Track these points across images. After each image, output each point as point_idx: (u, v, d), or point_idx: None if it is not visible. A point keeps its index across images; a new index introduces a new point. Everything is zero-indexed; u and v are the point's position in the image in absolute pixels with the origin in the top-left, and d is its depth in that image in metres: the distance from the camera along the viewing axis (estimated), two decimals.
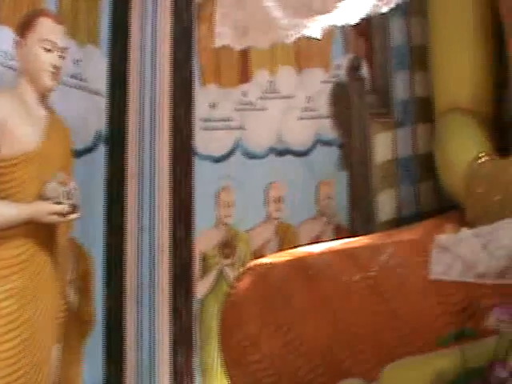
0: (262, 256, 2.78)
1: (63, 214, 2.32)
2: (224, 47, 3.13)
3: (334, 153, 3.10)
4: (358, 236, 2.62)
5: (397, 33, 3.10)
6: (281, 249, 3.00)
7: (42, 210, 2.30)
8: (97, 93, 3.03)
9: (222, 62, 3.26)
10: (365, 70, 3.14)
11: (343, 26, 3.30)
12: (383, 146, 2.99)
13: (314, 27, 2.61)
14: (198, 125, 3.14)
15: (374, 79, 3.11)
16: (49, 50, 2.39)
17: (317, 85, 3.30)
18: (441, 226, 2.46)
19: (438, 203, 2.94)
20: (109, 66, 3.09)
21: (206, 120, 3.17)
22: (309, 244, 2.71)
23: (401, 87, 3.06)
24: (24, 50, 2.40)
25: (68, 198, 2.32)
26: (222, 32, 2.72)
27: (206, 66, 3.24)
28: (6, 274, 2.26)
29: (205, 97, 3.20)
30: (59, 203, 2.31)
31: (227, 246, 3.08)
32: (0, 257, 2.27)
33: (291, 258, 2.42)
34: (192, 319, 2.96)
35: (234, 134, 3.20)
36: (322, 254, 2.39)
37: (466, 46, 2.89)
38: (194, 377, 2.93)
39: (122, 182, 2.97)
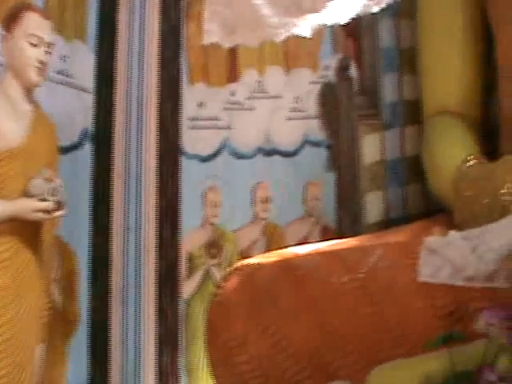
0: (248, 256, 2.77)
1: (48, 212, 2.29)
2: (212, 46, 3.11)
3: (321, 154, 3.09)
4: (345, 237, 2.61)
5: (386, 34, 3.10)
6: (268, 249, 2.99)
7: (27, 207, 2.27)
8: (84, 89, 3.00)
9: (210, 61, 3.24)
10: (353, 71, 3.13)
11: (332, 27, 3.31)
12: (371, 147, 2.98)
13: (304, 26, 2.60)
14: (185, 124, 3.12)
15: (363, 80, 3.10)
16: (35, 45, 2.37)
17: (305, 85, 3.30)
18: (428, 228, 2.45)
19: (425, 206, 2.94)
20: (96, 63, 3.06)
21: (194, 119, 3.15)
22: (296, 245, 2.70)
23: (389, 89, 3.06)
24: (9, 45, 2.37)
25: (53, 195, 2.29)
26: (211, 29, 2.70)
27: (194, 65, 3.22)
28: None
29: (192, 96, 3.18)
30: (44, 200, 2.28)
31: (214, 246, 3.06)
32: None
33: (279, 258, 2.40)
34: (178, 319, 2.94)
35: (222, 133, 3.18)
36: (309, 255, 2.38)
37: (455, 49, 2.89)
38: (180, 377, 2.91)
39: (108, 180, 2.94)
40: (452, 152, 2.68)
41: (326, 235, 3.04)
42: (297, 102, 3.27)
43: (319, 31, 3.23)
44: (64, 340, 2.81)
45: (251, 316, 2.26)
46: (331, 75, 3.18)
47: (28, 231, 2.32)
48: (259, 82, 3.28)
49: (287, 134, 3.24)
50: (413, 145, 3.01)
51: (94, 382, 2.79)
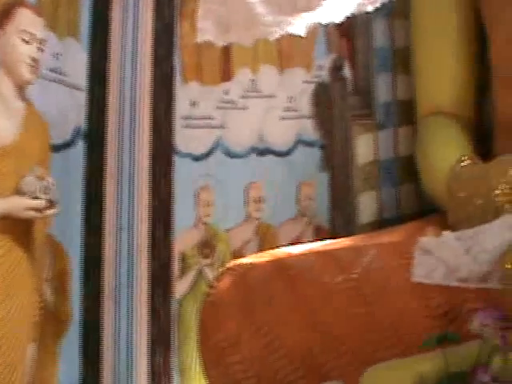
0: (241, 256, 2.76)
1: (40, 210, 2.28)
2: (206, 45, 3.10)
3: (315, 153, 3.09)
4: (338, 237, 2.61)
5: (380, 34, 3.10)
6: (261, 249, 2.98)
7: (19, 204, 2.25)
8: (76, 87, 2.98)
9: (203, 60, 3.23)
10: (347, 71, 3.12)
11: (326, 26, 3.30)
12: (365, 147, 2.98)
13: (299, 25, 2.59)
14: (178, 123, 3.10)
15: (357, 80, 3.09)
16: (27, 42, 2.36)
17: (299, 85, 3.29)
18: (422, 229, 2.45)
19: (418, 206, 2.94)
20: (89, 61, 3.04)
21: (187, 118, 3.14)
22: (289, 245, 2.70)
23: (383, 89, 3.06)
24: (1, 41, 2.36)
25: (45, 193, 2.28)
26: (205, 28, 2.69)
27: (187, 64, 3.21)
28: None
29: (186, 94, 3.17)
30: (36, 198, 2.27)
31: (206, 246, 3.05)
32: None
33: (272, 258, 2.39)
34: (170, 319, 2.93)
35: (215, 132, 3.17)
36: (303, 254, 2.37)
37: (449, 49, 2.89)
38: (172, 377, 2.90)
39: (101, 179, 2.92)
40: (446, 152, 2.67)
41: (319, 235, 3.03)
42: (290, 102, 3.26)
43: (313, 31, 3.23)
44: (56, 340, 2.79)
45: (244, 316, 2.25)
46: (325, 75, 3.17)
47: (20, 229, 2.30)
48: (253, 80, 3.27)
49: (281, 134, 3.23)
50: (406, 145, 3.01)
51: (86, 382, 2.77)
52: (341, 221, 2.85)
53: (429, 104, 2.91)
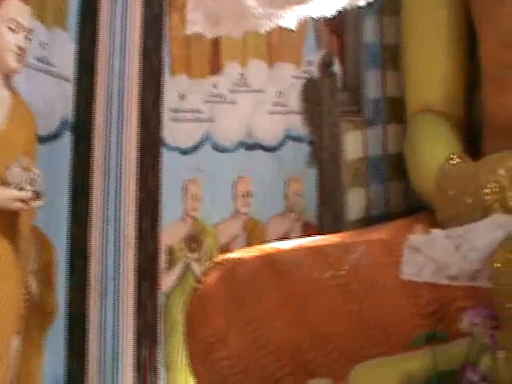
0: (229, 251, 2.74)
1: (26, 201, 2.25)
2: (195, 37, 3.08)
3: (303, 149, 3.08)
4: (327, 234, 2.59)
5: (370, 31, 3.09)
6: (248, 244, 2.97)
7: (4, 195, 2.23)
8: (64, 78, 2.95)
9: (192, 53, 3.21)
10: (337, 67, 3.11)
11: (316, 22, 3.29)
12: (353, 144, 2.97)
13: (289, 18, 2.58)
14: (166, 116, 3.08)
15: (346, 77, 3.08)
16: (14, 31, 2.34)
17: (288, 80, 3.28)
18: (411, 226, 2.44)
19: (407, 204, 2.93)
20: (76, 51, 3.01)
21: (175, 111, 3.11)
22: (277, 240, 2.68)
23: (372, 86, 3.05)
24: None
25: (31, 185, 2.25)
26: (194, 19, 2.67)
27: (176, 56, 3.18)
28: None
29: (174, 87, 3.14)
30: (22, 189, 2.24)
31: (194, 240, 3.03)
32: None
33: (260, 253, 2.38)
34: (157, 312, 2.91)
35: (203, 126, 3.15)
36: (291, 250, 2.36)
37: (439, 47, 2.89)
38: (158, 371, 2.88)
39: (88, 171, 2.89)
40: (435, 150, 2.67)
41: (307, 231, 3.02)
42: (279, 97, 3.25)
43: (303, 26, 3.22)
44: (41, 332, 2.77)
45: (232, 311, 2.23)
46: (314, 71, 3.16)
47: (5, 221, 2.27)
48: (242, 75, 3.25)
49: (269, 129, 3.22)
50: (395, 142, 3.00)
51: (71, 374, 2.75)
52: (329, 217, 2.83)
53: (418, 102, 2.90)
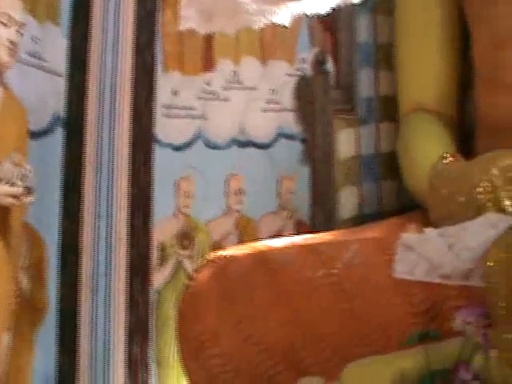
0: (221, 249, 2.73)
1: (17, 197, 2.24)
2: (188, 34, 3.07)
3: (296, 147, 3.07)
4: (319, 232, 2.59)
5: (363, 29, 3.09)
6: (240, 242, 2.96)
7: None
8: (56, 73, 2.93)
9: (185, 49, 3.19)
10: (330, 66, 3.11)
11: (310, 20, 3.29)
12: (346, 142, 2.97)
13: (283, 14, 2.57)
14: (159, 112, 3.06)
15: (339, 75, 3.08)
16: (5, 25, 2.33)
17: (281, 77, 3.27)
18: (404, 225, 2.44)
19: (399, 202, 2.94)
20: (69, 47, 2.99)
21: (168, 107, 3.10)
22: (269, 238, 2.68)
23: (365, 84, 3.05)
24: None
25: (22, 180, 2.24)
26: (188, 15, 2.66)
27: (169, 52, 3.17)
28: None
29: (167, 83, 3.13)
30: (13, 185, 2.23)
31: (186, 237, 3.02)
32: None
33: (253, 251, 2.37)
34: (148, 309, 2.89)
35: (196, 123, 3.14)
36: (284, 248, 2.35)
37: (432, 46, 2.89)
38: (150, 367, 2.87)
39: (80, 167, 2.87)
40: (428, 149, 2.67)
41: (299, 229, 3.01)
42: (272, 94, 3.24)
43: (296, 24, 3.22)
44: (32, 328, 2.75)
45: (224, 309, 2.22)
46: (307, 68, 3.16)
47: None
48: (235, 72, 3.24)
49: (262, 126, 3.21)
50: (388, 141, 3.00)
51: (62, 370, 2.73)
52: (321, 215, 2.83)
53: (411, 101, 2.90)
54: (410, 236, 2.12)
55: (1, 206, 2.24)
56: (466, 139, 2.82)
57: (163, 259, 3.00)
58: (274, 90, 3.24)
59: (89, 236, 2.85)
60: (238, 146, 3.17)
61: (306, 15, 3.14)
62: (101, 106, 2.96)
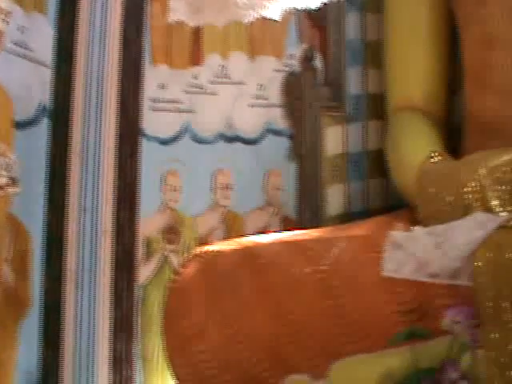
0: (207, 244, 2.71)
1: (1, 187, 2.22)
2: (177, 27, 3.05)
3: (283, 143, 3.06)
4: (306, 229, 2.58)
5: (352, 27, 3.08)
6: (227, 237, 2.94)
7: None
8: (42, 64, 2.90)
9: (173, 43, 3.17)
10: (318, 62, 3.10)
11: (298, 16, 3.27)
12: (333, 139, 2.96)
13: (273, 8, 2.56)
14: (146, 105, 3.04)
15: (327, 72, 3.08)
16: None
17: (269, 73, 3.25)
18: (391, 223, 2.44)
19: (386, 201, 2.93)
20: (55, 37, 2.96)
21: (155, 100, 3.08)
22: (256, 234, 2.66)
23: (354, 82, 3.04)
24: None
25: (7, 171, 2.22)
26: (177, 7, 2.65)
27: (156, 45, 3.14)
28: None
29: (154, 77, 3.10)
30: None
31: (172, 232, 2.99)
32: None
33: (239, 246, 2.35)
34: (133, 304, 2.87)
35: (183, 117, 3.12)
36: (271, 244, 2.34)
37: (421, 46, 2.89)
38: (134, 364, 2.84)
39: (65, 158, 2.85)
40: (416, 147, 2.66)
41: (286, 226, 3.00)
42: (260, 90, 3.22)
43: (285, 19, 3.20)
44: (15, 322, 2.72)
45: (210, 304, 2.21)
46: (296, 65, 3.15)
47: None
48: (222, 66, 3.22)
49: (249, 121, 3.19)
50: (376, 139, 3.00)
51: (45, 365, 2.70)
52: (308, 212, 2.82)
53: (399, 99, 2.90)
54: (398, 234, 2.12)
55: None
56: (454, 139, 2.83)
57: (149, 254, 2.98)
58: (261, 86, 3.23)
59: (74, 229, 2.82)
60: (225, 141, 3.15)
61: (295, 11, 3.13)
62: (87, 97, 2.93)
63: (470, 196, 2.26)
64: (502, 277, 1.88)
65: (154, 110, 3.06)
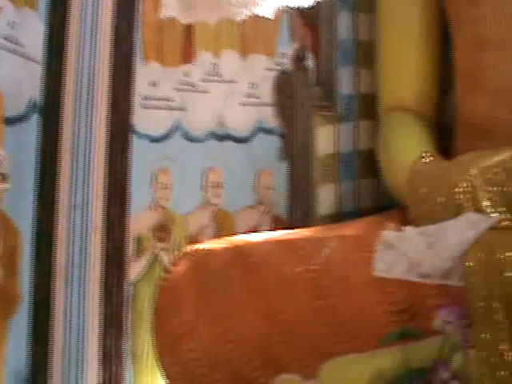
0: (197, 242, 2.69)
1: None
2: (168, 24, 3.04)
3: (275, 142, 3.05)
4: (297, 228, 2.57)
5: (344, 26, 3.08)
6: (217, 236, 2.93)
7: None
8: (33, 59, 2.88)
9: (165, 40, 3.16)
10: (310, 62, 3.10)
11: (290, 15, 3.27)
12: (325, 139, 2.96)
13: (266, 6, 2.56)
14: (137, 103, 3.03)
15: (319, 71, 3.07)
16: None
17: (260, 71, 3.25)
18: (382, 223, 2.43)
19: (377, 201, 2.93)
20: (46, 33, 2.94)
21: (146, 98, 3.07)
22: (246, 233, 2.65)
23: (345, 82, 3.04)
24: None
25: None
26: (169, 3, 2.63)
27: (148, 42, 3.13)
28: None
29: (145, 74, 3.09)
30: None
31: (162, 230, 2.98)
32: None
33: (230, 245, 2.33)
34: (123, 301, 2.86)
35: (174, 114, 3.11)
36: (263, 243, 2.32)
37: (413, 46, 2.89)
38: (124, 361, 2.83)
39: (55, 155, 2.83)
40: (407, 148, 2.66)
41: (276, 225, 2.99)
42: (252, 88, 3.22)
43: (277, 18, 3.20)
44: (4, 319, 2.70)
45: (200, 303, 2.19)
46: (287, 64, 3.14)
47: None
48: (214, 64, 3.21)
49: (241, 120, 3.19)
50: (367, 139, 3.00)
51: (35, 362, 2.69)
52: (299, 211, 2.82)
53: (391, 99, 2.90)
54: (389, 234, 2.11)
55: None
56: (445, 139, 2.83)
57: (139, 251, 2.97)
58: (253, 84, 3.22)
59: (64, 225, 2.80)
60: (216, 139, 3.14)
61: (287, 9, 3.13)
62: (78, 93, 2.91)
63: (462, 196, 2.26)
64: (493, 277, 1.88)
65: (145, 107, 3.05)
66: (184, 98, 3.14)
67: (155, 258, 2.99)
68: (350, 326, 2.05)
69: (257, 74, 3.24)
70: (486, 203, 2.21)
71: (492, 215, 2.14)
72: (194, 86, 3.17)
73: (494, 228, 2.06)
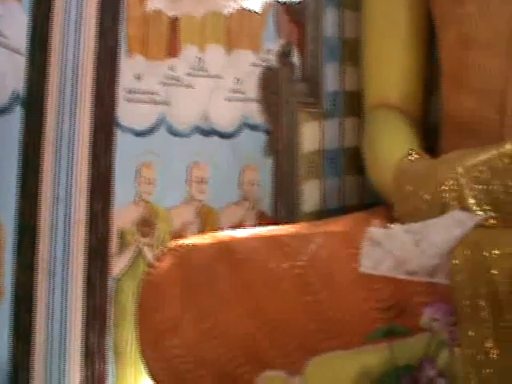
0: (181, 237, 2.67)
1: None
2: (154, 18, 3.01)
3: (260, 138, 3.04)
4: (282, 224, 2.56)
5: (330, 23, 3.08)
6: (201, 231, 2.91)
7: None
8: (16, 51, 2.83)
9: (150, 33, 3.12)
10: (296, 58, 3.09)
11: (276, 11, 3.25)
12: (310, 135, 2.96)
13: (253, 0, 2.55)
14: (121, 96, 2.99)
15: (305, 68, 3.07)
16: None
17: (246, 67, 3.22)
18: (368, 219, 2.43)
19: (361, 198, 2.93)
20: (30, 25, 2.89)
21: (131, 91, 3.02)
22: (231, 228, 2.64)
23: (331, 78, 3.04)
24: None
25: None
26: None
27: (133, 35, 3.09)
28: None
29: (130, 67, 3.05)
30: None
31: (146, 224, 2.95)
32: None
33: (215, 240, 2.32)
34: (107, 296, 2.82)
35: (159, 108, 3.07)
36: (248, 239, 2.31)
37: (399, 45, 2.90)
38: (107, 357, 2.80)
39: (39, 147, 2.78)
40: (393, 145, 2.67)
41: (261, 221, 2.97)
42: (237, 84, 3.19)
43: (263, 14, 3.19)
44: None
45: (185, 298, 2.17)
46: (273, 60, 3.13)
47: None
48: (199, 59, 3.18)
49: (226, 115, 3.15)
50: (352, 136, 3.00)
51: (16, 358, 2.64)
52: (284, 208, 2.81)
53: (376, 97, 2.90)
54: (376, 231, 2.11)
55: None
56: (430, 138, 2.83)
57: (123, 246, 2.93)
58: (238, 80, 3.19)
59: (46, 218, 2.76)
60: (201, 134, 3.11)
61: (274, 5, 3.12)
62: (62, 86, 2.87)
63: (447, 194, 2.26)
64: (479, 275, 1.89)
65: (130, 100, 3.01)
66: (169, 92, 3.11)
67: (139, 253, 2.96)
68: (337, 323, 2.05)
69: (242, 70, 3.21)
70: (471, 201, 2.22)
71: (477, 213, 2.15)
72: (178, 80, 3.14)
73: (480, 226, 2.06)
